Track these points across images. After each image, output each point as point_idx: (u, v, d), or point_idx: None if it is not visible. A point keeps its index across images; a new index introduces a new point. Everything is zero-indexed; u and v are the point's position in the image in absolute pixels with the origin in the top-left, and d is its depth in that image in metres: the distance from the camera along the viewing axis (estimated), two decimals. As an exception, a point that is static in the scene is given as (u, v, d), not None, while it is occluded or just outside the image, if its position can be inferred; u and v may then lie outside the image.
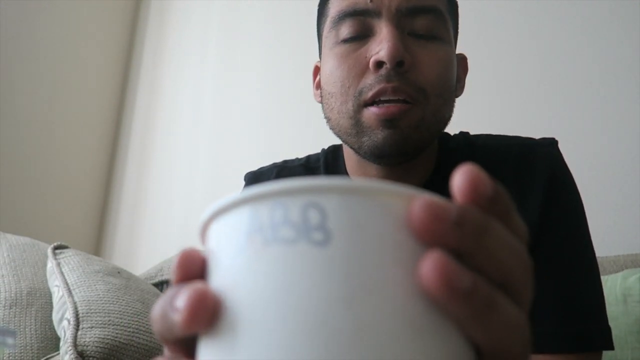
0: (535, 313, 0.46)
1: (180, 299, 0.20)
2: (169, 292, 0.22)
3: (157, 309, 0.22)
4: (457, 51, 0.62)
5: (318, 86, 0.63)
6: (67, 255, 1.16)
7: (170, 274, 1.29)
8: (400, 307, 0.18)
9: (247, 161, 0.77)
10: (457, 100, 0.60)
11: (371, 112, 0.53)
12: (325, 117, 0.59)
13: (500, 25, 1.29)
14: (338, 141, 0.62)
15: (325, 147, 0.70)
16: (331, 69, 0.56)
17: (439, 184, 0.59)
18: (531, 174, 0.57)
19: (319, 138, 0.72)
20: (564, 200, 0.56)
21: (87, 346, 0.90)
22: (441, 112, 0.55)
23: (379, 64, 0.52)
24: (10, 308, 1.08)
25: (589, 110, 1.13)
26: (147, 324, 1.02)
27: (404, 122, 0.52)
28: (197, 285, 0.20)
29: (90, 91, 2.05)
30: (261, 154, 1.04)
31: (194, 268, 0.21)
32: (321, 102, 0.61)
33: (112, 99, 2.13)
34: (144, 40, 2.21)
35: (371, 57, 0.53)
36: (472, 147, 0.62)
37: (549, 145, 0.60)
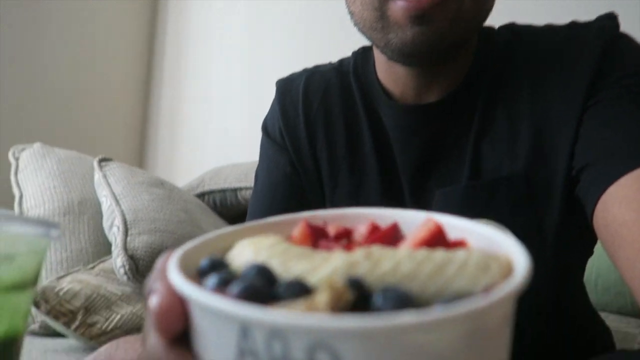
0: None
1: None
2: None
3: None
4: None
5: None
6: (112, 167, 1.20)
7: (210, 185, 1.32)
8: None
9: (283, 66, 0.74)
10: None
11: (398, 6, 0.47)
12: (349, 12, 0.54)
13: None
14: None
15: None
16: None
17: (474, 84, 0.55)
18: (580, 49, 0.50)
19: (356, 44, 0.67)
20: (627, 63, 0.48)
21: (136, 250, 0.95)
22: None
23: None
24: (64, 216, 1.14)
25: None
26: (191, 232, 1.06)
27: (439, 15, 0.46)
28: None
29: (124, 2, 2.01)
30: (298, 57, 1.00)
31: (177, 324, 0.21)
32: None
33: (145, 11, 2.09)
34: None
35: None
36: (518, 36, 0.55)
37: (605, 19, 0.53)
